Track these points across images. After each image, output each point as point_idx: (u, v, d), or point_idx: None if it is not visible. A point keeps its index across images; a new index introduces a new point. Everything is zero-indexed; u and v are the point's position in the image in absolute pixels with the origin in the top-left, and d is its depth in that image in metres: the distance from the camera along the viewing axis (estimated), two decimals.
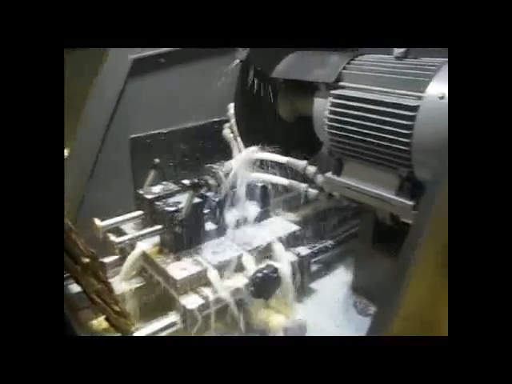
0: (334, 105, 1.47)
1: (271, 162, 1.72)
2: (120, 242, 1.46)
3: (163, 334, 1.33)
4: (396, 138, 1.28)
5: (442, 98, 1.19)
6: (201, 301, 1.36)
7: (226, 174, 1.67)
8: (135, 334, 1.25)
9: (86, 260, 1.10)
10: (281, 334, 1.46)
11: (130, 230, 1.61)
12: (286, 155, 1.72)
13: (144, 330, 1.30)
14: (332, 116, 1.48)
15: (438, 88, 1.21)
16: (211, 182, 1.65)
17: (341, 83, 1.49)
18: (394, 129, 1.28)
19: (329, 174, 1.58)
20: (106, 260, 1.55)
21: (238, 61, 1.80)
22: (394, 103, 1.30)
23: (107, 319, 1.19)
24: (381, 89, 1.36)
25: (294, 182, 1.70)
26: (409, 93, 1.28)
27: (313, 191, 1.69)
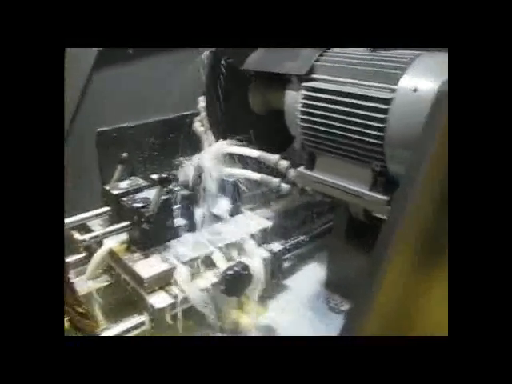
0: (306, 97, 1.44)
1: (242, 156, 1.69)
2: (85, 240, 1.40)
3: (131, 334, 1.28)
4: (369, 131, 1.26)
5: (415, 90, 1.17)
6: (170, 300, 1.31)
7: (196, 169, 1.62)
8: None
9: None
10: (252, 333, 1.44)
11: (97, 227, 1.55)
12: (258, 149, 1.68)
13: (110, 331, 1.25)
14: (304, 109, 1.45)
15: (411, 81, 1.19)
16: (181, 176, 1.61)
17: (313, 75, 1.46)
18: (367, 122, 1.26)
19: (301, 169, 1.55)
20: (69, 259, 1.50)
21: (208, 52, 1.76)
22: (367, 96, 1.27)
23: (70, 321, 1.14)
24: (354, 81, 1.33)
25: (266, 177, 1.66)
26: (382, 85, 1.26)
27: (285, 186, 1.65)
